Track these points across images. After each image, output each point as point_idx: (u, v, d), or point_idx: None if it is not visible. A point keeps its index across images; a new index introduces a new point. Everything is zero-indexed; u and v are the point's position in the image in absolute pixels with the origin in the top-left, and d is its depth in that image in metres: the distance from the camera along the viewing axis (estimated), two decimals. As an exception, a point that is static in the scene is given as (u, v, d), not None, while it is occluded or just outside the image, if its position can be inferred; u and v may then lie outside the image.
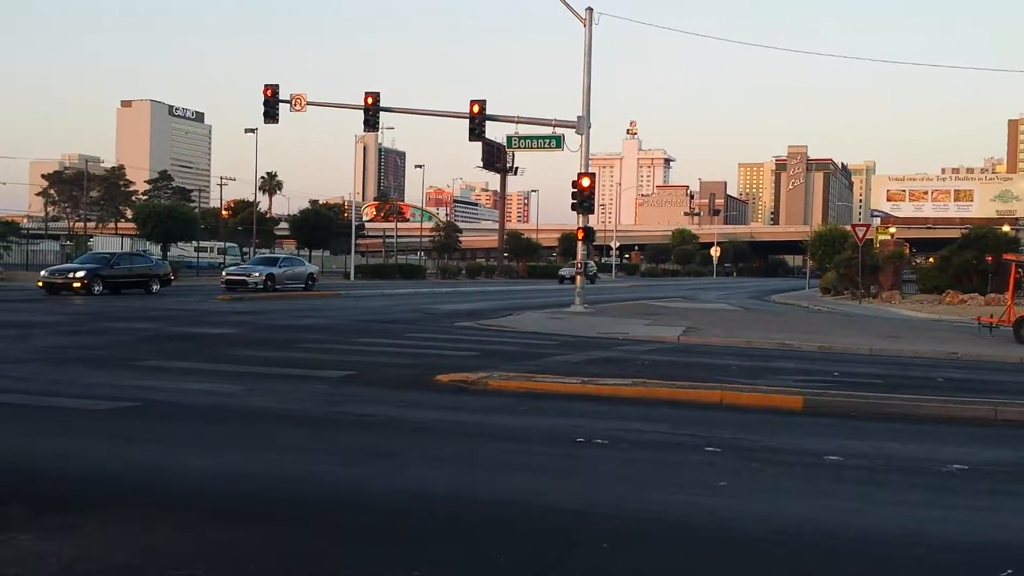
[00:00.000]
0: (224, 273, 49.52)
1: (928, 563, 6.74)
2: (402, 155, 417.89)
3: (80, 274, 38.70)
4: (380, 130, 47.04)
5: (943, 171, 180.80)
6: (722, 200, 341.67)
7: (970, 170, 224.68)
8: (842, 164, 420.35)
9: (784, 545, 6.95)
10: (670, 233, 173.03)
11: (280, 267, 48.63)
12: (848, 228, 67.42)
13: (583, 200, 36.53)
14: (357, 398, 13.44)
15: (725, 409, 13.46)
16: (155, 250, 65.15)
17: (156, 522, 7.07)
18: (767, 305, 54.79)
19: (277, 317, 29.71)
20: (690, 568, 6.49)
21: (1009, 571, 6.52)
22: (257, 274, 46.10)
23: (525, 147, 41.78)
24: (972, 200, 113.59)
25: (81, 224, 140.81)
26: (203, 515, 7.28)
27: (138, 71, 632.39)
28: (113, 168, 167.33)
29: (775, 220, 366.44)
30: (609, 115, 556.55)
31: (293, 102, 41.38)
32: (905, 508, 8.21)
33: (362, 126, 42.14)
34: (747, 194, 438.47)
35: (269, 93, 41.14)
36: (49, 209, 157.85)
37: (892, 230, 79.21)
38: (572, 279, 76.23)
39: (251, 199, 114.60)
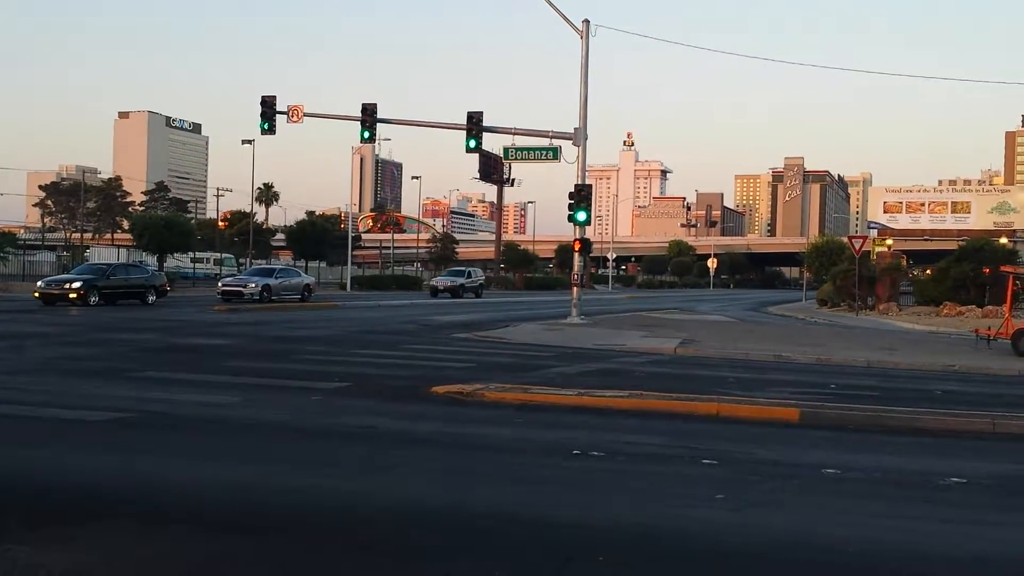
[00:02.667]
0: (220, 284, 49.49)
1: (926, 577, 6.71)
2: (399, 166, 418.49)
3: (76, 285, 38.65)
4: (377, 141, 46.91)
5: (940, 183, 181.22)
6: (719, 212, 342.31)
7: (967, 182, 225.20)
8: (839, 176, 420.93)
9: (781, 559, 6.93)
10: (667, 245, 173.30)
11: (276, 278, 48.62)
12: (845, 240, 67.48)
13: (579, 211, 36.52)
14: (353, 410, 13.41)
15: (722, 421, 13.44)
16: (151, 261, 65.20)
17: (153, 534, 7.06)
18: (764, 317, 54.80)
19: (273, 328, 29.69)
20: (687, 582, 6.46)
21: (1007, 585, 6.50)
22: (253, 285, 46.08)
23: (522, 159, 41.79)
24: (969, 212, 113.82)
25: (78, 235, 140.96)
26: (200, 527, 7.26)
27: (136, 82, 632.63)
28: (110, 179, 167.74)
29: (772, 232, 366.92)
30: (606, 126, 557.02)
31: (290, 113, 41.35)
32: (903, 522, 8.18)
33: (359, 137, 42.11)
34: (744, 206, 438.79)
35: (266, 104, 41.13)
36: (46, 220, 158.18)
37: (889, 242, 79.26)
38: (447, 291, 66.80)
39: (248, 210, 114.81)
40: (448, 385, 15.64)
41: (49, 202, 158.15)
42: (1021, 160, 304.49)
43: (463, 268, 79.04)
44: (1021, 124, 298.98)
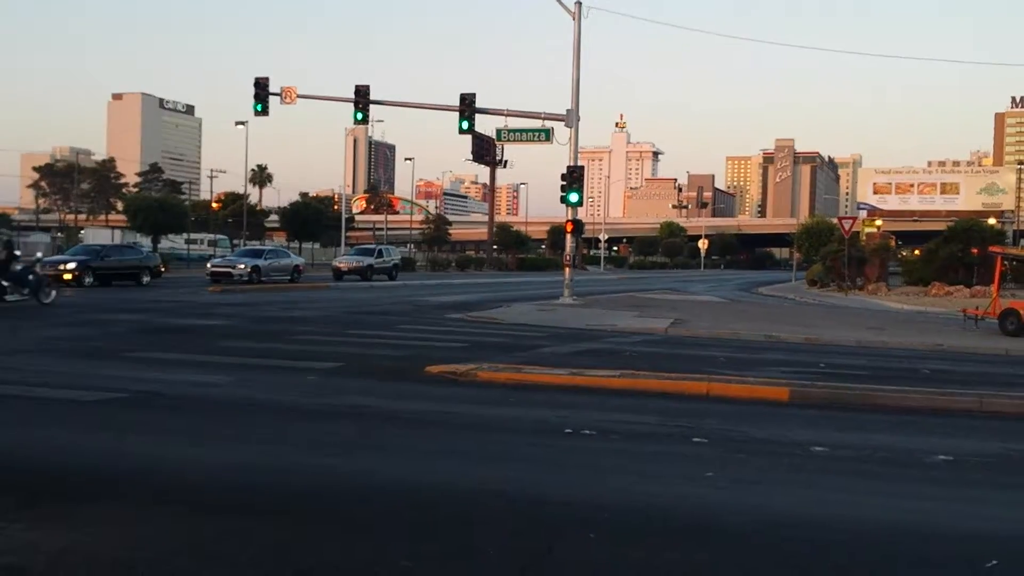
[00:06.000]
0: (209, 265, 49.43)
1: (915, 554, 6.80)
2: (392, 148, 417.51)
3: (71, 266, 38.62)
4: (370, 123, 46.95)
5: (929, 164, 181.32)
6: (710, 193, 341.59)
7: (956, 163, 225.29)
8: (829, 157, 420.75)
9: (771, 536, 7.00)
10: (658, 226, 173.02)
11: (266, 259, 48.58)
12: (835, 221, 67.62)
13: (571, 192, 36.54)
14: (347, 389, 13.48)
15: (712, 400, 13.53)
16: (145, 242, 65.05)
17: (147, 513, 7.11)
18: (754, 297, 54.94)
19: (266, 309, 29.69)
20: (676, 559, 6.52)
21: (994, 562, 6.58)
22: (242, 266, 46.06)
23: (514, 140, 41.79)
24: (958, 193, 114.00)
25: (72, 216, 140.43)
26: (194, 506, 7.31)
27: (129, 64, 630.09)
28: (104, 161, 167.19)
29: (762, 213, 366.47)
30: (598, 108, 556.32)
31: (283, 95, 41.30)
32: (891, 499, 8.28)
33: (352, 119, 42.07)
34: (735, 187, 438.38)
35: (259, 86, 41.06)
36: (40, 201, 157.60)
37: (878, 223, 79.19)
38: (354, 273, 56.95)
39: (241, 192, 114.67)
40: (442, 365, 15.70)
41: (43, 183, 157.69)
42: (1010, 141, 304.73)
43: (373, 246, 67.99)
44: (1010, 105, 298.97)
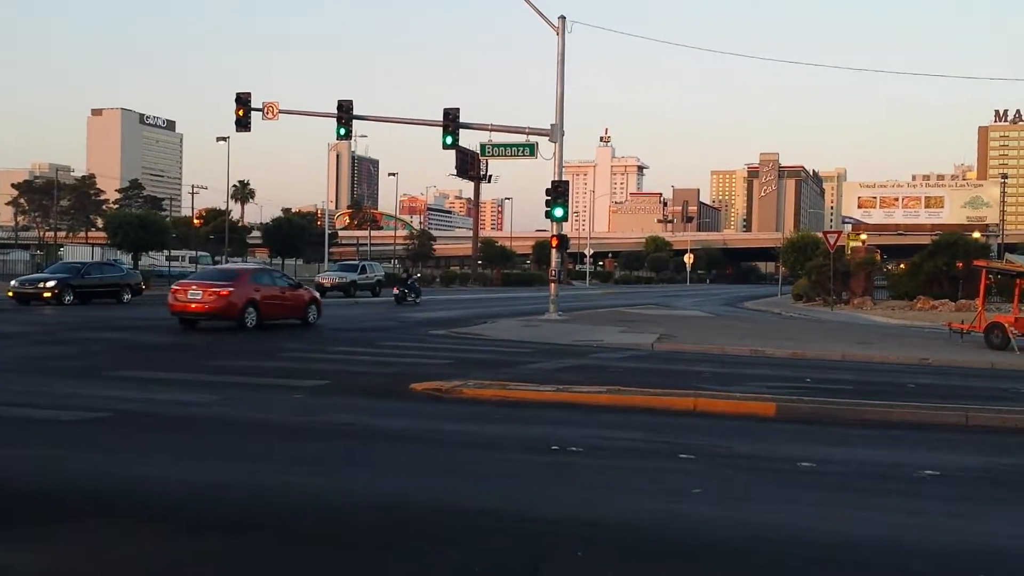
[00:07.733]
0: None
1: (901, 570, 6.78)
2: (375, 163, 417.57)
3: (50, 284, 38.36)
4: (353, 138, 46.89)
5: (914, 178, 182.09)
6: (695, 207, 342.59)
7: (940, 177, 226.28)
8: (813, 171, 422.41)
9: (758, 552, 6.98)
10: (644, 240, 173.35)
11: None
12: (820, 235, 67.75)
13: (556, 207, 36.54)
14: (332, 407, 13.42)
15: (699, 416, 13.52)
16: (126, 259, 64.74)
17: (130, 533, 7.04)
18: (740, 312, 55.03)
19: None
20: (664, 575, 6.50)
21: (981, 576, 6.58)
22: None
23: (499, 155, 41.74)
24: (943, 207, 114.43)
25: (51, 233, 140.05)
26: (178, 526, 7.26)
27: (109, 79, 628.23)
28: (84, 177, 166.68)
29: (748, 227, 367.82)
30: (582, 123, 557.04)
31: (265, 110, 41.18)
32: (878, 514, 8.26)
33: (335, 134, 42.02)
34: (720, 201, 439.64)
35: (241, 101, 40.96)
36: (19, 218, 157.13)
37: (863, 237, 79.37)
38: (337, 289, 54.42)
39: (223, 208, 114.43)
40: (427, 382, 15.65)
41: (22, 200, 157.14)
42: (994, 155, 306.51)
43: (356, 262, 66.53)
44: (994, 119, 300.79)
